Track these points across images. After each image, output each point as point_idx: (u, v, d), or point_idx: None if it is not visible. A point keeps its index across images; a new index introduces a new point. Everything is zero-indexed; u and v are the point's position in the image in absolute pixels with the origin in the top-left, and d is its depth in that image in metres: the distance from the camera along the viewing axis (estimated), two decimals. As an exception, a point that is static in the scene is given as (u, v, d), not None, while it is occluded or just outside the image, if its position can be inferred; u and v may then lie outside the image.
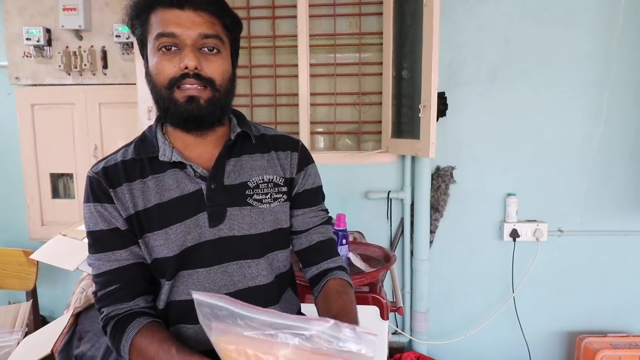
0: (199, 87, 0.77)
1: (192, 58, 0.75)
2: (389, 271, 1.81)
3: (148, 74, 0.80)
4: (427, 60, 1.71)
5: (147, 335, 0.76)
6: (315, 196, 0.96)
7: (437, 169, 2.11)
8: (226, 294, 0.81)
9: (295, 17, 2.08)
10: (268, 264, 0.87)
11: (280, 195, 0.88)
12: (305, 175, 0.93)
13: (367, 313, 1.36)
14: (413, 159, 2.09)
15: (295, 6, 2.07)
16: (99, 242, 0.81)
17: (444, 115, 2.04)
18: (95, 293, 0.83)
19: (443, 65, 2.05)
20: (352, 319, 0.81)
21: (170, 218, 0.81)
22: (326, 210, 0.99)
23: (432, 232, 2.13)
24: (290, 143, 0.93)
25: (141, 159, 0.83)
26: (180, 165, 0.82)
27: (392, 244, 2.17)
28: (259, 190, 0.86)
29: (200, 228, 0.82)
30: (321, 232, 0.95)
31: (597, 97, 2.01)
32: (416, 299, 2.13)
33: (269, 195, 0.87)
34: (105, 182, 0.81)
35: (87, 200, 0.82)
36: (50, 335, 0.62)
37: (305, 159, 0.94)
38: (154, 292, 0.85)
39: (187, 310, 0.81)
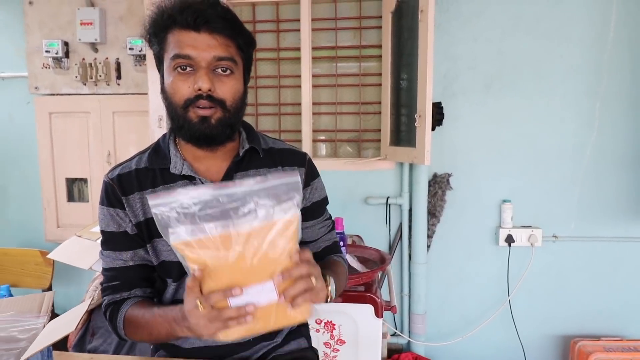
0: (211, 108, 0.80)
1: (205, 80, 0.78)
2: (386, 274, 1.89)
3: (164, 91, 0.84)
4: (422, 72, 1.80)
5: (138, 307, 0.84)
6: (321, 207, 1.01)
7: (434, 175, 2.19)
8: None
9: (298, 30, 2.19)
10: None
11: None
12: (312, 189, 0.97)
13: (362, 311, 1.44)
14: (411, 166, 2.17)
15: (298, 20, 2.18)
16: (109, 241, 0.88)
17: (441, 124, 2.13)
18: (101, 284, 0.91)
19: (439, 76, 2.13)
20: (337, 273, 0.92)
21: None
22: (330, 218, 1.05)
23: (429, 236, 2.21)
24: (297, 158, 0.96)
25: (153, 169, 0.88)
26: (190, 178, 0.87)
27: (391, 248, 2.24)
28: None
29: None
30: (327, 239, 1.02)
31: (589, 107, 2.08)
32: (414, 302, 2.20)
33: None
34: (119, 190, 0.86)
35: (102, 203, 0.88)
36: (73, 318, 0.71)
37: (311, 174, 0.98)
38: (153, 287, 0.93)
39: None
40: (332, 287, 0.81)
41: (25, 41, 2.27)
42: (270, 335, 0.96)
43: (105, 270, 0.90)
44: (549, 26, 2.06)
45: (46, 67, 2.26)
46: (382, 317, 1.44)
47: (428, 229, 2.19)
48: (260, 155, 0.93)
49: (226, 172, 0.89)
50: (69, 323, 0.71)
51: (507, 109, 2.13)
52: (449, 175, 2.18)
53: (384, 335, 1.98)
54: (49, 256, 1.83)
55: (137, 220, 0.86)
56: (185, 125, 0.82)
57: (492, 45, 2.11)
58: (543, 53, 2.08)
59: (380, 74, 2.19)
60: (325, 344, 1.48)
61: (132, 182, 0.87)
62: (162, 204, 0.61)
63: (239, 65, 0.84)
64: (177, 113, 0.82)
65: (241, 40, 0.83)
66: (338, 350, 1.46)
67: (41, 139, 2.31)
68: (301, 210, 0.99)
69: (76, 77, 2.22)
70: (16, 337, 0.75)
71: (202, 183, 0.86)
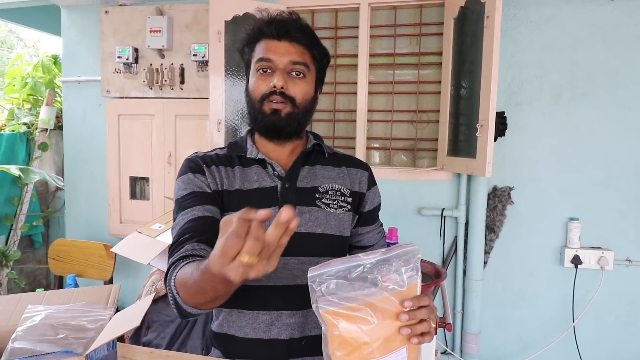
0: (282, 103, 0.91)
1: (280, 79, 0.89)
2: (440, 289, 1.82)
3: (247, 90, 0.95)
4: (486, 80, 1.73)
5: (189, 265, 0.73)
6: (378, 213, 1.07)
7: (494, 188, 2.09)
8: (285, 286, 0.90)
9: (356, 37, 2.18)
10: None
11: (346, 204, 0.97)
12: (373, 194, 1.04)
13: (415, 326, 1.39)
14: (469, 177, 2.09)
15: (357, 27, 2.17)
16: (185, 202, 0.87)
17: (503, 135, 2.03)
18: (169, 250, 0.84)
19: (503, 84, 2.04)
20: None
21: (247, 204, 0.87)
22: (381, 224, 1.09)
23: (486, 252, 2.10)
24: (360, 163, 1.05)
25: (231, 155, 0.97)
26: (262, 164, 0.95)
27: (445, 261, 2.16)
28: (328, 195, 0.96)
29: (269, 221, 0.87)
30: (382, 245, 1.07)
31: (673, 121, 1.90)
32: (467, 320, 2.10)
33: (336, 202, 0.96)
34: (201, 162, 0.95)
35: (183, 174, 0.91)
36: (137, 312, 0.73)
37: (373, 180, 1.05)
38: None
39: (249, 296, 0.90)
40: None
41: (100, 47, 2.43)
42: (319, 345, 0.94)
43: (175, 236, 0.85)
44: (627, 33, 1.92)
45: (117, 72, 2.41)
46: (436, 334, 1.38)
47: (485, 244, 2.09)
48: (326, 156, 1.01)
49: (294, 162, 0.96)
50: (133, 317, 0.73)
51: (578, 120, 1.99)
52: (511, 188, 2.07)
53: (434, 353, 1.90)
54: (112, 250, 1.93)
55: (215, 188, 0.92)
56: (259, 116, 0.92)
57: (563, 53, 1.98)
58: (620, 62, 1.93)
59: (438, 82, 2.13)
60: None
61: (212, 159, 0.96)
62: (318, 275, 0.64)
63: (312, 72, 0.95)
64: (254, 107, 0.93)
65: (316, 51, 0.96)
66: (388, 364, 1.41)
67: (110, 139, 2.46)
68: (365, 214, 1.00)
69: (144, 81, 2.34)
70: (85, 327, 0.79)
71: (272, 168, 0.94)
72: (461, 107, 2.00)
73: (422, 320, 0.66)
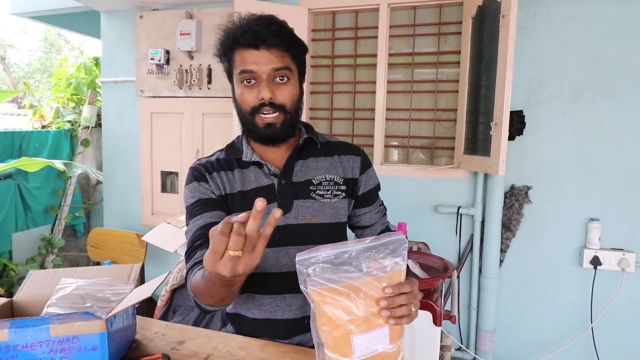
0: (274, 114, 0.94)
1: (267, 91, 0.92)
2: (451, 283, 1.85)
3: (235, 100, 0.99)
4: (500, 78, 1.74)
5: (200, 271, 0.84)
6: (375, 194, 1.10)
7: (512, 187, 2.09)
8: (286, 272, 0.98)
9: (376, 37, 2.23)
10: None
11: (340, 192, 1.03)
12: (367, 177, 1.07)
13: (420, 317, 1.43)
14: (486, 176, 2.10)
15: (376, 27, 2.22)
16: (194, 210, 0.96)
17: (521, 133, 2.03)
18: (186, 255, 0.95)
19: (523, 83, 2.04)
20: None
21: (249, 203, 0.97)
22: (383, 204, 1.13)
23: (502, 250, 2.10)
24: (352, 149, 1.08)
25: (230, 158, 1.03)
26: (259, 165, 1.01)
27: (460, 259, 2.18)
28: (322, 187, 1.02)
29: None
30: (382, 223, 1.11)
31: (701, 120, 1.84)
32: (482, 317, 2.11)
33: (329, 192, 1.02)
34: (203, 170, 1.01)
35: (189, 182, 1.00)
36: (150, 287, 0.83)
37: (366, 163, 1.08)
38: None
39: (256, 282, 0.99)
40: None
41: (135, 50, 2.60)
42: None
43: (188, 241, 0.95)
44: (655, 29, 1.87)
45: (150, 73, 2.57)
46: (440, 325, 1.42)
47: (502, 242, 2.09)
48: (318, 147, 1.05)
49: (288, 159, 1.01)
50: (147, 288, 0.83)
51: (600, 119, 1.96)
52: (528, 187, 2.06)
53: (448, 349, 1.93)
54: (142, 238, 2.08)
55: (219, 193, 0.99)
56: (253, 129, 0.97)
57: (585, 51, 1.96)
58: (646, 59, 1.89)
59: (456, 81, 2.15)
60: (382, 346, 1.50)
61: (214, 166, 1.03)
62: (306, 259, 0.72)
63: (294, 72, 0.98)
64: (246, 119, 0.97)
65: (294, 50, 0.97)
66: (394, 353, 1.47)
67: (143, 136, 2.63)
68: (360, 197, 1.06)
69: (174, 81, 2.49)
70: (109, 299, 0.90)
71: (268, 169, 1.00)
72: (480, 106, 2.02)
73: (402, 305, 0.72)
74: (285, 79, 0.95)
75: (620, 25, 1.90)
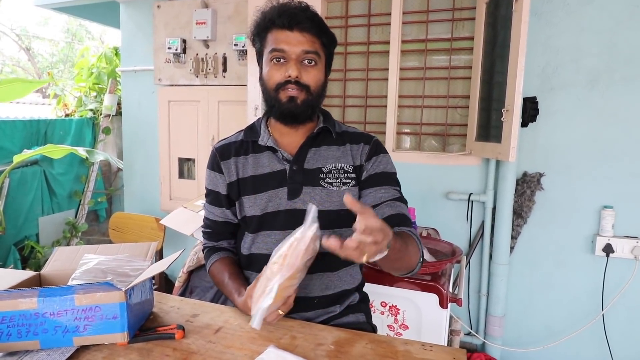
0: (298, 90, 0.99)
1: (295, 69, 0.97)
2: (460, 268, 1.87)
3: (261, 79, 1.03)
4: (513, 64, 1.73)
5: (220, 266, 1.09)
6: (386, 179, 1.06)
7: (524, 174, 2.08)
8: None
9: (389, 24, 2.23)
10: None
11: (349, 180, 1.06)
12: (376, 162, 1.06)
13: (427, 300, 1.47)
14: (497, 162, 2.10)
15: (389, 14, 2.22)
16: (209, 196, 1.13)
17: (534, 120, 2.01)
18: (202, 227, 1.18)
19: (537, 69, 2.02)
20: (403, 239, 0.91)
21: (260, 187, 1.06)
22: (401, 193, 1.07)
23: (513, 237, 2.11)
24: (364, 138, 1.10)
25: (247, 141, 1.09)
26: (273, 150, 1.05)
27: (471, 245, 2.19)
28: (331, 175, 1.05)
29: (279, 199, 1.05)
30: (392, 207, 1.02)
31: None
32: (492, 303, 2.13)
33: (339, 180, 1.05)
34: (219, 156, 1.10)
35: (207, 167, 1.13)
36: (165, 263, 0.89)
37: (375, 150, 1.08)
38: (234, 240, 1.16)
39: (263, 263, 1.04)
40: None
41: (153, 39, 2.66)
42: (328, 305, 1.07)
43: (204, 219, 1.17)
44: (676, 13, 1.82)
45: (167, 62, 2.63)
46: (447, 308, 1.46)
47: (513, 229, 2.10)
48: (333, 136, 1.08)
49: (301, 146, 1.06)
50: (162, 264, 0.89)
51: (616, 106, 1.93)
52: (541, 174, 2.05)
53: (457, 333, 1.97)
54: (161, 222, 2.16)
55: (231, 180, 1.07)
56: (276, 104, 1.01)
57: (602, 36, 1.93)
58: (666, 44, 1.85)
59: (469, 67, 2.14)
60: (389, 326, 1.54)
61: (230, 150, 1.10)
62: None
63: (322, 59, 1.02)
64: (270, 95, 1.02)
65: (325, 38, 1.02)
66: (401, 334, 1.51)
67: (161, 123, 2.70)
68: (364, 180, 1.08)
69: (190, 70, 2.55)
70: (128, 273, 0.96)
71: (282, 154, 1.05)
72: (493, 93, 2.01)
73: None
74: (313, 62, 0.99)
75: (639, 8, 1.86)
